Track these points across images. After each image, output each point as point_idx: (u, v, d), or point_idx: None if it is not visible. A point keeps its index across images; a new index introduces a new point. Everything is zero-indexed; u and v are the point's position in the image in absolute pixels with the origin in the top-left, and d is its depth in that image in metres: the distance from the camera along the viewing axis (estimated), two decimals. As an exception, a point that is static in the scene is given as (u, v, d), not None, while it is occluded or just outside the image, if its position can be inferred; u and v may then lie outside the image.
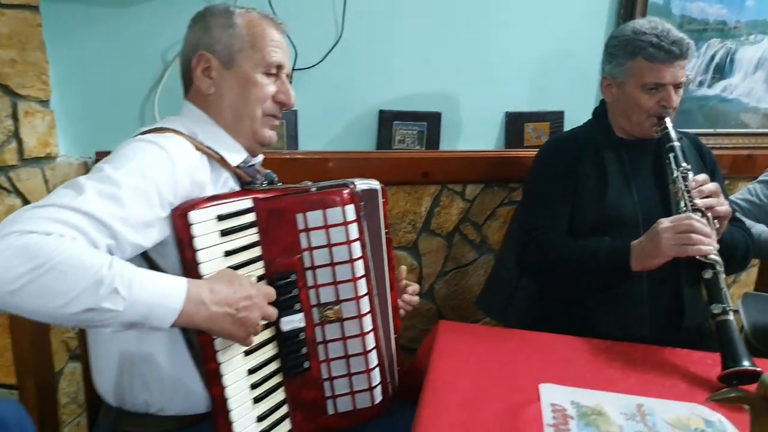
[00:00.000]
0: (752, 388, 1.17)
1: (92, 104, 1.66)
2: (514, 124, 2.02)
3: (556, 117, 2.06)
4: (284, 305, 1.12)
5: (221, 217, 1.05)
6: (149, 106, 1.71)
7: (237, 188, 1.18)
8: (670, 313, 1.56)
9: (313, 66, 1.78)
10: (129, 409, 1.12)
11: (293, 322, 1.14)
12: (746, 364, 1.22)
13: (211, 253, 1.04)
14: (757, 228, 1.71)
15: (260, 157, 1.28)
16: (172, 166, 1.03)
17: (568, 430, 1.04)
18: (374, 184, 1.30)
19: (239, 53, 1.17)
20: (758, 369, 1.20)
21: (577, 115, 2.05)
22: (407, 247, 2.03)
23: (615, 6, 2.03)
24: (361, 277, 1.17)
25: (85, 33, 1.61)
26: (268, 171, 1.27)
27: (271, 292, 1.07)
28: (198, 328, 0.99)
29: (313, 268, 1.14)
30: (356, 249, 1.16)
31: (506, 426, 1.05)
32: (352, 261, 1.15)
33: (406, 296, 1.39)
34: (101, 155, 1.67)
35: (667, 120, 1.53)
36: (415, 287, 1.41)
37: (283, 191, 1.16)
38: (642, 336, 1.46)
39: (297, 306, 1.14)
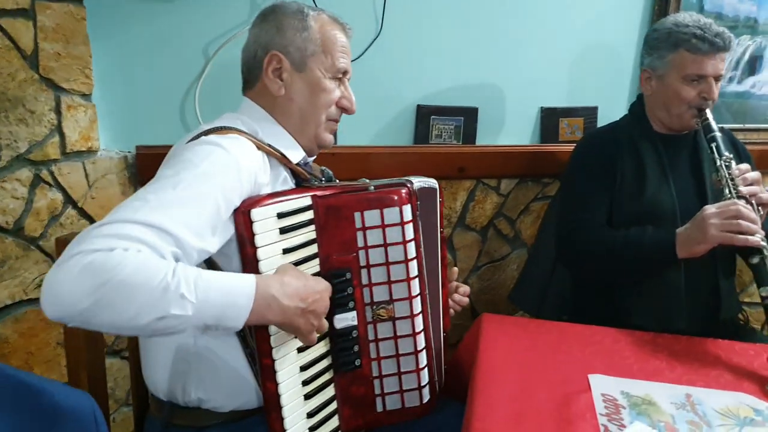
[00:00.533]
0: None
1: (133, 98, 1.68)
2: (549, 119, 2.03)
3: (590, 112, 2.07)
4: (338, 302, 1.13)
5: (281, 215, 1.06)
6: (190, 100, 1.73)
7: (293, 186, 1.18)
8: (707, 306, 1.58)
9: (352, 61, 1.79)
10: (182, 404, 1.13)
11: (346, 319, 1.15)
12: None
13: (270, 251, 1.04)
14: None
15: (314, 156, 1.29)
16: (237, 169, 1.02)
17: (621, 419, 1.06)
18: (432, 182, 1.31)
19: (312, 57, 1.18)
20: (807, 355, 1.22)
21: (611, 111, 2.07)
22: (441, 241, 2.05)
23: (650, 1, 2.04)
24: (415, 277, 1.17)
25: (127, 27, 1.63)
26: (324, 168, 1.28)
27: (330, 288, 1.08)
28: (270, 323, 1.00)
29: (368, 266, 1.15)
30: (411, 249, 1.16)
31: (560, 415, 1.07)
32: (407, 261, 1.16)
33: (456, 296, 1.39)
34: (142, 149, 1.69)
35: (708, 111, 1.55)
36: (465, 288, 1.41)
37: (341, 189, 1.16)
38: (679, 329, 1.47)
39: (351, 304, 1.15)
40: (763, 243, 1.36)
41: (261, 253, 1.03)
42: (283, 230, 1.06)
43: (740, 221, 1.35)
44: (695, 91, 1.55)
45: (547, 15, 1.96)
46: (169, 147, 1.65)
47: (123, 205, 0.93)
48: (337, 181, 1.24)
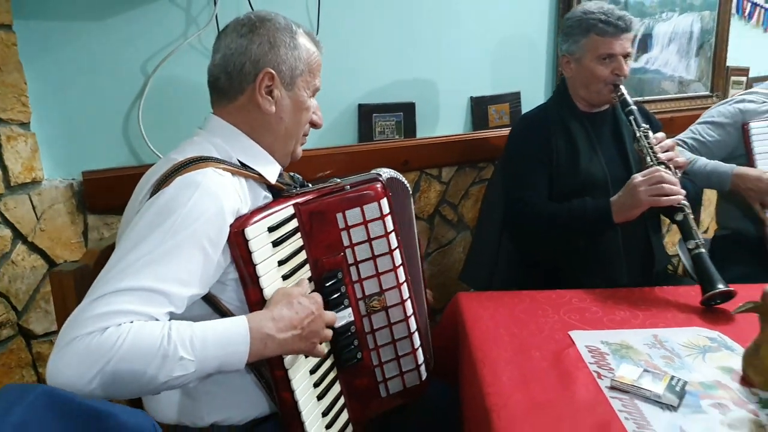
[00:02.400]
0: (730, 306, 1.40)
1: (74, 123, 1.61)
2: (479, 107, 2.17)
3: (514, 98, 2.23)
4: (334, 303, 1.17)
5: (271, 229, 1.08)
6: (133, 120, 1.68)
7: (272, 198, 1.18)
8: (643, 261, 1.77)
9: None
10: (192, 425, 1.12)
11: (344, 317, 1.19)
12: (721, 286, 1.42)
13: (268, 265, 1.06)
14: (701, 161, 1.95)
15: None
16: (219, 210, 1.01)
17: (608, 364, 1.19)
18: (394, 172, 1.37)
19: (300, 77, 1.17)
20: (731, 289, 1.42)
21: (532, 95, 2.24)
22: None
23: (556, -8, 2.23)
24: (401, 265, 1.23)
25: (60, 49, 1.56)
26: (294, 173, 1.30)
27: (320, 299, 1.10)
28: (272, 356, 1.02)
29: (356, 263, 1.20)
30: (394, 240, 1.22)
31: (557, 370, 1.18)
32: (391, 252, 1.21)
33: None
34: (88, 175, 1.63)
35: (622, 87, 1.74)
36: (429, 293, 1.50)
37: (318, 192, 1.19)
38: (622, 284, 1.65)
39: (345, 302, 1.19)
40: (684, 202, 1.56)
41: (260, 269, 1.04)
42: (275, 243, 1.08)
43: (664, 185, 1.53)
44: (608, 70, 1.72)
45: (468, 10, 2.09)
46: (117, 170, 1.65)
47: (108, 271, 0.94)
48: (309, 185, 1.26)
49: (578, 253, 1.74)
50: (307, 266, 1.15)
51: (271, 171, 1.18)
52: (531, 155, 1.78)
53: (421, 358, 1.29)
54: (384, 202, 1.20)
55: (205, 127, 1.18)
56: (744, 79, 2.77)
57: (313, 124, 1.26)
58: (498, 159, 2.03)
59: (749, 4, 2.79)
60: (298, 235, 1.14)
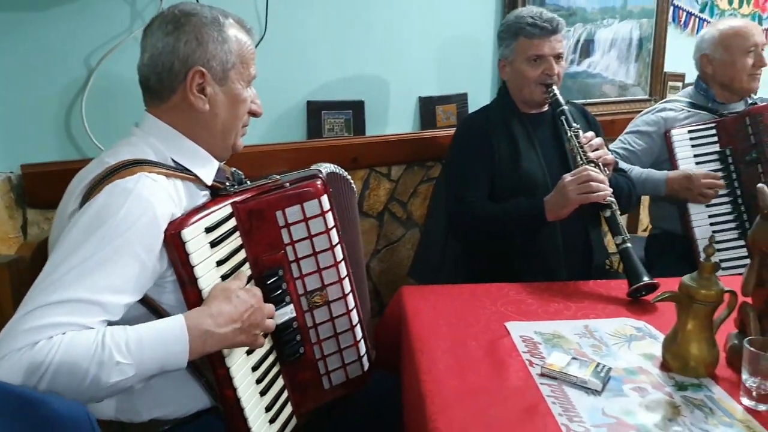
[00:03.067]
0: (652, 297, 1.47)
1: (13, 115, 1.58)
2: (427, 107, 2.22)
3: (461, 99, 2.29)
4: (276, 300, 1.17)
5: (208, 229, 1.07)
6: (76, 113, 1.65)
7: (210, 197, 1.17)
8: (582, 255, 1.85)
9: (240, 63, 1.83)
10: (129, 422, 1.11)
11: (285, 314, 1.20)
12: (646, 279, 1.51)
13: (206, 266, 1.06)
14: (635, 170, 2.06)
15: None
16: (153, 216, 1.00)
17: (540, 353, 1.25)
18: (334, 167, 1.40)
19: (232, 69, 1.14)
20: (655, 281, 1.50)
21: (479, 96, 2.30)
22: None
23: (500, -3, 2.30)
24: (342, 260, 1.25)
25: (1, 41, 1.53)
26: (234, 169, 1.28)
27: (259, 292, 1.11)
28: (214, 351, 1.03)
29: (297, 260, 1.21)
30: (335, 235, 1.23)
31: (491, 359, 1.23)
32: (332, 248, 1.22)
33: None
34: (27, 168, 1.60)
35: (554, 88, 1.81)
36: None
37: (257, 190, 1.18)
38: (561, 279, 1.72)
39: (287, 298, 1.20)
40: (611, 199, 1.64)
41: (198, 270, 1.04)
42: (213, 243, 1.08)
43: (591, 183, 1.61)
44: (538, 71, 1.79)
45: (417, 10, 2.14)
46: (59, 164, 1.62)
47: (41, 282, 0.94)
48: (248, 182, 1.24)
49: (519, 249, 1.80)
50: (247, 265, 1.16)
51: (209, 170, 1.17)
52: (473, 155, 1.83)
53: (363, 349, 1.32)
54: (324, 198, 1.21)
55: (142, 127, 1.16)
56: (680, 84, 2.91)
57: (253, 114, 1.24)
58: (444, 159, 2.08)
59: (685, 14, 2.93)
60: (237, 234, 1.14)
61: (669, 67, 2.88)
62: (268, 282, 1.17)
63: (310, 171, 1.28)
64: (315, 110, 1.99)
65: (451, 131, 2.02)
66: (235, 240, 1.14)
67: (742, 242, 1.92)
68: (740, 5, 3.14)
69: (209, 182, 1.16)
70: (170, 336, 0.97)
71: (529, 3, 2.31)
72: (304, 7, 1.93)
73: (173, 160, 1.13)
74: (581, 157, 1.70)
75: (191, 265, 1.03)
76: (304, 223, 1.19)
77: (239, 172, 1.28)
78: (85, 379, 0.89)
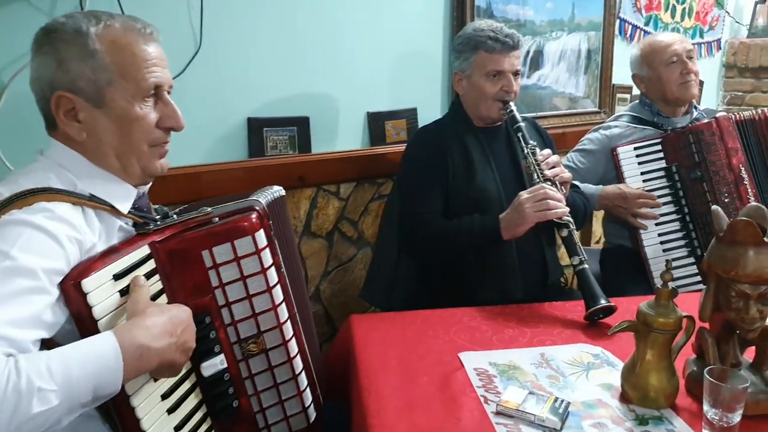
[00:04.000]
0: (612, 321, 1.44)
1: None
2: (376, 123, 2.14)
3: (411, 114, 2.22)
4: (203, 349, 1.04)
5: (118, 276, 0.93)
6: (-12, 135, 1.51)
7: (131, 231, 1.05)
8: (538, 274, 1.80)
9: (173, 78, 1.71)
10: None
11: (215, 365, 1.07)
12: (603, 302, 1.47)
13: (112, 319, 0.92)
14: (582, 187, 2.03)
15: (148, 185, 1.15)
16: (56, 245, 0.89)
17: (495, 387, 1.18)
18: (277, 191, 1.30)
19: (108, 87, 0.99)
20: (612, 304, 1.46)
21: (429, 111, 2.24)
22: (288, 252, 2.05)
23: (449, 9, 2.24)
24: (282, 302, 1.12)
25: None
26: (159, 206, 1.16)
27: (189, 310, 1.00)
28: (149, 371, 0.92)
29: (228, 304, 1.07)
30: (273, 275, 1.09)
31: (444, 395, 1.15)
32: (269, 290, 1.09)
33: None
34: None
35: (512, 104, 1.76)
36: None
37: (182, 226, 1.05)
38: (518, 298, 1.67)
39: (216, 348, 1.07)
40: (568, 218, 1.60)
41: (102, 325, 0.90)
42: (124, 292, 0.94)
43: (548, 201, 1.57)
44: (497, 87, 1.75)
45: (363, 24, 2.06)
46: None
47: None
48: (174, 216, 1.10)
49: (475, 268, 1.74)
50: None
51: (124, 198, 1.05)
52: (425, 170, 1.77)
53: (308, 399, 1.19)
54: (260, 234, 1.07)
55: (46, 153, 1.03)
56: (628, 96, 2.92)
57: (170, 128, 1.07)
58: (396, 174, 2.01)
59: (630, 26, 2.96)
60: (157, 277, 1.01)
61: (617, 79, 2.89)
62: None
63: (246, 201, 1.15)
64: (256, 127, 1.89)
65: (401, 147, 1.95)
66: (155, 284, 1.00)
67: (692, 260, 1.91)
68: (682, 18, 3.20)
69: (125, 211, 1.04)
70: (100, 351, 0.84)
71: (478, 17, 2.27)
72: (242, 18, 1.83)
73: (82, 188, 1.00)
74: (538, 175, 1.66)
75: (94, 319, 0.89)
76: (235, 262, 1.06)
77: (163, 207, 1.15)
78: (2, 415, 0.76)
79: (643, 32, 2.99)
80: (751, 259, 1.04)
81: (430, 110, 2.25)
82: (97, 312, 0.90)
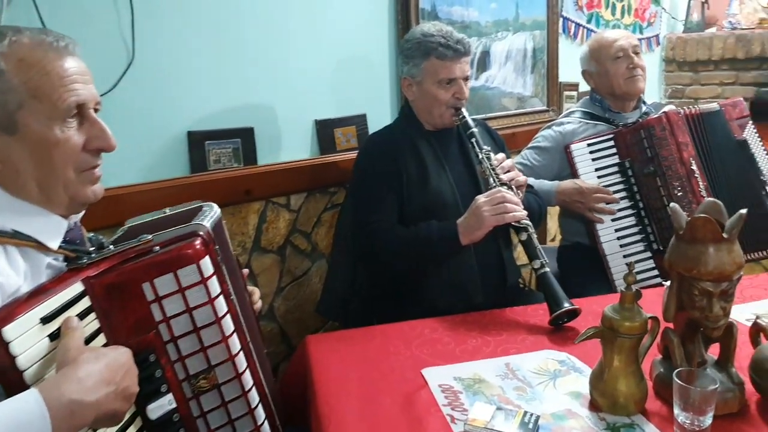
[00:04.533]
0: (576, 323, 1.42)
1: None
2: (324, 130, 2.07)
3: (360, 120, 2.16)
4: (148, 390, 0.95)
5: (46, 319, 0.84)
6: None
7: (62, 267, 0.96)
8: (497, 277, 1.77)
9: (105, 93, 1.60)
10: None
11: (162, 406, 0.98)
12: (567, 305, 1.44)
13: (41, 368, 0.83)
14: (529, 180, 2.01)
15: (81, 213, 1.05)
16: None
17: (461, 404, 1.12)
18: (214, 210, 1.20)
19: (20, 110, 0.89)
20: (576, 307, 1.44)
21: (378, 116, 2.19)
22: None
23: (393, 12, 2.19)
24: (232, 333, 1.03)
25: None
26: (93, 234, 1.06)
27: (129, 352, 0.91)
28: (85, 426, 0.81)
29: (174, 340, 0.98)
30: (221, 305, 1.01)
31: (408, 416, 1.09)
32: (218, 321, 1.00)
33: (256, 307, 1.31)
34: None
35: (464, 110, 1.73)
36: (256, 293, 1.33)
37: (120, 257, 0.96)
38: (478, 303, 1.63)
39: (163, 387, 0.98)
40: (527, 222, 1.58)
41: (29, 376, 0.81)
42: (55, 336, 0.85)
43: (506, 204, 1.55)
44: (449, 93, 1.71)
45: (306, 32, 1.99)
46: None
47: None
48: (111, 247, 1.00)
49: (434, 274, 1.70)
50: None
51: (52, 232, 0.95)
52: (378, 177, 1.72)
53: (267, 431, 1.10)
54: (205, 261, 0.98)
55: None
56: (575, 93, 2.95)
57: (99, 150, 0.98)
58: (349, 183, 1.94)
59: (573, 25, 2.98)
60: (93, 316, 0.91)
61: (563, 77, 2.91)
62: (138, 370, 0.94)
63: (189, 226, 1.06)
64: (197, 141, 1.79)
65: (353, 154, 1.89)
66: (91, 323, 0.91)
67: (648, 254, 1.91)
68: (622, 15, 3.25)
69: (55, 246, 0.94)
70: (24, 414, 0.74)
71: (423, 19, 2.23)
72: (178, 26, 1.73)
73: (3, 224, 0.90)
74: (494, 180, 1.63)
75: (19, 370, 0.79)
76: (179, 294, 0.97)
77: (98, 237, 1.05)
78: None
79: (585, 30, 3.02)
80: (712, 256, 1.02)
81: (380, 115, 2.20)
82: (21, 363, 0.79)
